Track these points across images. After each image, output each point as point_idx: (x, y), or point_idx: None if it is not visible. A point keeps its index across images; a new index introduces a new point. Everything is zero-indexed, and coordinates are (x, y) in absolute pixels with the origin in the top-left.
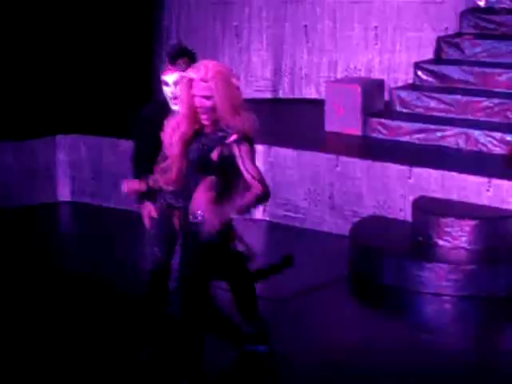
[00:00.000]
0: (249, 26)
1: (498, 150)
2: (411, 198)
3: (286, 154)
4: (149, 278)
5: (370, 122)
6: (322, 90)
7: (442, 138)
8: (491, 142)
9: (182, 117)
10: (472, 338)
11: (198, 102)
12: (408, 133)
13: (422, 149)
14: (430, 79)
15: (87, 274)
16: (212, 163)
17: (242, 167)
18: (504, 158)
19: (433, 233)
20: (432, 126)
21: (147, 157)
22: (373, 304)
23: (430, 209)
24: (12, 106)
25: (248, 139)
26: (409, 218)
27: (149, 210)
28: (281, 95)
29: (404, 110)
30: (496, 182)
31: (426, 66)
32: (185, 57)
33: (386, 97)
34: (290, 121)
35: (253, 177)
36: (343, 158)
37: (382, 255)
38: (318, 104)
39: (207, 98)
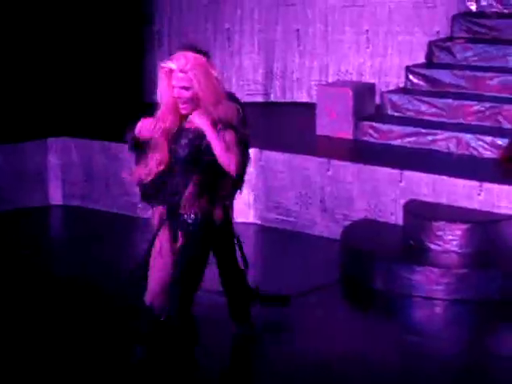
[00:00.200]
0: (240, 29)
1: (489, 154)
2: (402, 201)
3: (278, 157)
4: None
5: (362, 126)
6: (313, 94)
7: (433, 141)
8: (482, 146)
9: (166, 111)
10: (463, 341)
11: (177, 92)
12: (399, 136)
13: (413, 152)
14: (422, 83)
15: (78, 277)
16: (202, 158)
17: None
18: (496, 162)
19: (424, 236)
20: (423, 130)
21: None
22: (364, 307)
23: (421, 212)
24: (3, 108)
25: (232, 127)
26: (400, 222)
27: (160, 213)
28: (272, 99)
29: (395, 114)
30: (487, 185)
31: (417, 69)
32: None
33: (378, 100)
34: (282, 124)
35: (230, 156)
36: (334, 162)
37: (373, 259)
38: (309, 107)
39: (186, 88)
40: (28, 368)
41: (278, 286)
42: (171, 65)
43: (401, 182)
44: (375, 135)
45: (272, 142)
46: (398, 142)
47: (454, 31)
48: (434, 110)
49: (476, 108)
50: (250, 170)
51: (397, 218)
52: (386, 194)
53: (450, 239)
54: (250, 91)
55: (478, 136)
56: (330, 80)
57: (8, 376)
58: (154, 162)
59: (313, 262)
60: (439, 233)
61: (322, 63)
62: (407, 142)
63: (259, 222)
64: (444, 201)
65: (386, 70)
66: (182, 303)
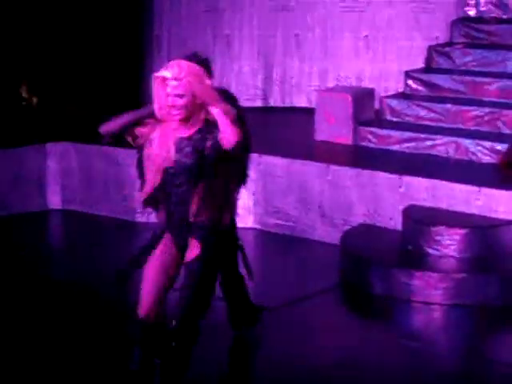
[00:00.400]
0: (240, 34)
1: (488, 159)
2: (401, 206)
3: (277, 162)
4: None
5: (361, 131)
6: (312, 99)
7: (432, 146)
8: (481, 151)
9: (160, 119)
10: (462, 347)
11: (171, 100)
12: (398, 142)
13: (412, 158)
14: (421, 88)
15: (76, 282)
16: (207, 163)
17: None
18: (495, 167)
19: (423, 241)
20: (422, 135)
21: None
22: (363, 312)
23: (419, 217)
24: (2, 113)
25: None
26: (399, 227)
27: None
28: (271, 104)
29: (394, 119)
30: (486, 190)
31: (416, 75)
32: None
33: (377, 106)
34: (281, 129)
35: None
36: (333, 167)
37: (372, 264)
38: (308, 113)
39: (180, 96)
40: (26, 373)
41: (276, 291)
42: (165, 73)
43: (400, 187)
44: (374, 140)
45: (271, 147)
46: (397, 147)
47: (453, 36)
48: (433, 115)
49: (475, 113)
50: (250, 174)
51: (396, 223)
52: (384, 199)
53: (449, 244)
54: (249, 96)
55: (477, 141)
56: (329, 85)
57: (6, 380)
58: (152, 173)
59: (312, 267)
60: (438, 238)
61: (321, 68)
62: (406, 147)
63: (258, 226)
64: (443, 206)
65: (385, 75)
66: (196, 311)
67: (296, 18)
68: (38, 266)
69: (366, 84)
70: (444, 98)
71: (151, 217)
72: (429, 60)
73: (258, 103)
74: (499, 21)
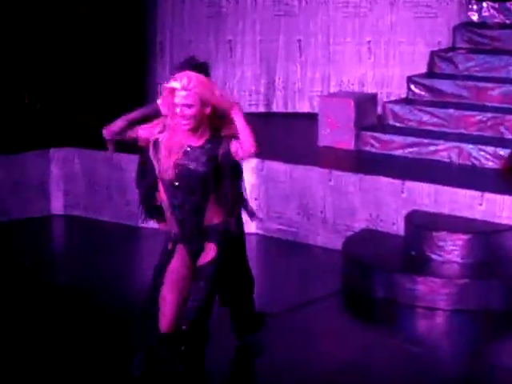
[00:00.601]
0: (242, 40)
1: (490, 165)
2: (404, 212)
3: (279, 167)
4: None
5: (363, 136)
6: (315, 104)
7: (435, 152)
8: (484, 157)
9: (170, 129)
10: (464, 352)
11: (180, 110)
12: (401, 147)
13: (414, 163)
14: (423, 93)
15: (79, 287)
16: (222, 171)
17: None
18: (497, 172)
19: (425, 247)
20: (425, 140)
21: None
22: (366, 318)
23: (422, 223)
24: (5, 119)
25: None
26: (401, 232)
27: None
28: (274, 109)
29: (397, 124)
30: (488, 196)
31: (419, 80)
32: (194, 70)
33: (379, 111)
34: (283, 135)
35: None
36: (336, 172)
37: (374, 269)
38: (311, 118)
39: (189, 106)
40: (27, 377)
41: (278, 296)
42: (174, 84)
43: (402, 192)
44: (377, 145)
45: (274, 152)
46: (399, 153)
47: (456, 41)
48: (435, 120)
49: (478, 118)
50: (252, 180)
51: (398, 228)
52: (387, 204)
53: (452, 249)
54: (251, 101)
55: (480, 146)
56: (332, 90)
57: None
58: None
59: (314, 273)
60: (441, 243)
61: (323, 74)
62: (409, 152)
63: (261, 232)
64: (445, 211)
65: (387, 81)
66: (202, 315)
67: (298, 24)
68: (40, 271)
69: (369, 89)
70: (447, 103)
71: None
72: (431, 65)
73: (261, 109)
74: (502, 26)
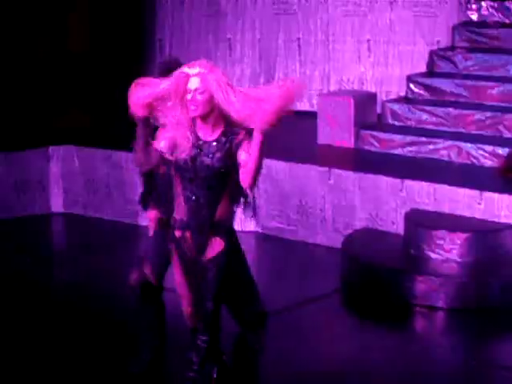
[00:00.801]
0: (241, 38)
1: (489, 163)
2: (403, 210)
3: (279, 166)
4: (139, 299)
5: (363, 135)
6: (314, 103)
7: (434, 150)
8: (483, 155)
9: (180, 119)
10: (463, 350)
11: (190, 96)
12: (400, 145)
13: (414, 161)
14: (423, 92)
15: (79, 285)
16: (228, 174)
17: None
18: (496, 171)
19: (424, 245)
20: (424, 139)
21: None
22: (364, 316)
23: (421, 221)
24: (4, 116)
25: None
26: (401, 231)
27: (154, 215)
28: None
29: (396, 123)
30: (487, 194)
31: (418, 79)
32: (173, 71)
33: (379, 109)
34: (283, 133)
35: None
36: (335, 171)
37: (373, 268)
38: (310, 116)
39: (200, 92)
40: (26, 376)
41: (278, 294)
42: (188, 70)
43: (402, 191)
44: (376, 144)
45: (273, 150)
46: (398, 151)
47: (455, 41)
48: (434, 119)
49: (477, 117)
50: None
51: (398, 226)
52: (386, 202)
53: (451, 248)
54: None
55: (479, 145)
56: (332, 89)
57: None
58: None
59: (313, 271)
60: (440, 242)
61: (323, 72)
62: (408, 151)
63: (260, 230)
64: (445, 210)
65: (387, 80)
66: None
67: (298, 22)
68: (40, 269)
69: (368, 88)
70: (446, 102)
71: None
72: (431, 64)
73: None
74: (501, 25)
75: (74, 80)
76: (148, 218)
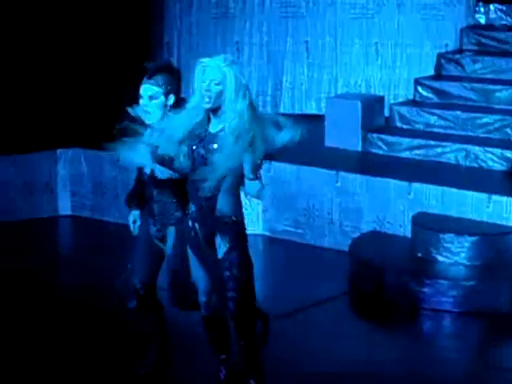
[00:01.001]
0: (249, 41)
1: (497, 167)
2: (411, 213)
3: (286, 168)
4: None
5: (370, 138)
6: (322, 106)
7: (442, 154)
8: (491, 159)
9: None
10: (471, 354)
11: (206, 86)
12: (408, 149)
13: (421, 165)
14: (431, 95)
15: (86, 288)
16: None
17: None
18: (504, 174)
19: (432, 249)
20: (432, 142)
21: None
22: (372, 319)
23: (429, 225)
24: (13, 119)
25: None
26: (408, 234)
27: (134, 217)
28: (281, 110)
29: (404, 126)
30: (496, 198)
31: (426, 82)
32: (164, 72)
33: (386, 113)
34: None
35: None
36: (343, 174)
37: (381, 271)
38: (318, 119)
39: (217, 83)
40: (29, 376)
41: (285, 297)
42: (207, 60)
43: (409, 194)
44: (384, 147)
45: (281, 153)
46: (406, 154)
47: (463, 44)
48: (442, 122)
49: (485, 120)
50: None
51: (405, 230)
52: (394, 206)
53: (459, 251)
54: (259, 103)
55: (487, 148)
56: (339, 92)
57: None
58: None
59: (321, 274)
60: (448, 245)
61: (330, 75)
62: (416, 154)
63: (267, 233)
64: (453, 213)
65: (394, 83)
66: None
67: (306, 25)
68: (46, 271)
69: (376, 91)
70: (454, 105)
71: None
72: (438, 67)
73: (268, 110)
74: (509, 28)
75: (82, 83)
76: (132, 218)
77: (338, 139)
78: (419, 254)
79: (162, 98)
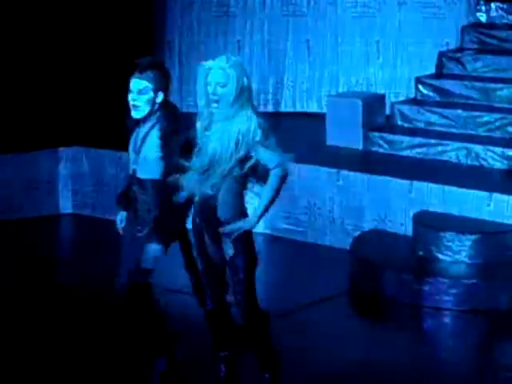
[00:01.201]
0: (251, 40)
1: (498, 165)
2: (412, 212)
3: (287, 167)
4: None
5: (371, 136)
6: (323, 104)
7: (443, 152)
8: (492, 157)
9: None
10: (472, 352)
11: (211, 88)
12: (409, 147)
13: (422, 163)
14: (432, 94)
15: (87, 286)
16: (241, 165)
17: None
18: (506, 173)
19: (433, 247)
20: (433, 141)
21: None
22: (373, 318)
23: (430, 223)
24: (13, 117)
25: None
26: (410, 233)
27: (121, 217)
28: (282, 109)
29: (405, 125)
30: (497, 196)
31: (427, 80)
32: (155, 69)
33: (388, 111)
34: (292, 134)
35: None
36: (344, 172)
37: (382, 269)
38: (319, 118)
39: (222, 85)
40: (32, 373)
41: (286, 295)
42: (210, 63)
43: (410, 192)
44: (385, 146)
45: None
46: (407, 153)
47: (464, 42)
48: (443, 120)
49: (486, 119)
50: None
51: (406, 228)
52: (395, 204)
53: (460, 250)
54: (260, 101)
55: (488, 147)
56: (340, 90)
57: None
58: None
59: (322, 273)
60: (449, 243)
61: (332, 74)
62: (417, 152)
63: (269, 231)
64: (454, 211)
65: (395, 81)
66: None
67: (307, 24)
68: (48, 269)
69: (377, 89)
70: (455, 103)
71: None
72: (440, 66)
73: (269, 108)
74: (510, 27)
75: (83, 82)
76: (119, 218)
77: (339, 138)
78: (420, 253)
79: (151, 93)
